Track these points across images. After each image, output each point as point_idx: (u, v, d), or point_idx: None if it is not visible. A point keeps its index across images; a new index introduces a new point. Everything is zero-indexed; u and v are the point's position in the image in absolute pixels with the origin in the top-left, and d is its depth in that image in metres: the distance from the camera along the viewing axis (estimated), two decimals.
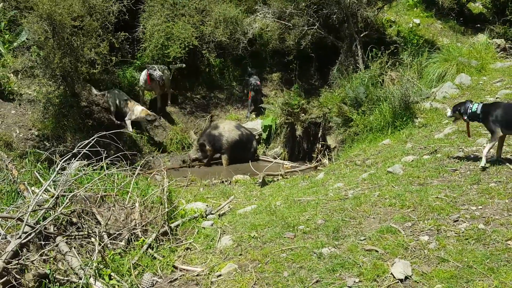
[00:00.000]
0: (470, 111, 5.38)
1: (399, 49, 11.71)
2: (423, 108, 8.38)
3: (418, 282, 3.48)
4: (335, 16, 10.78)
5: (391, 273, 3.59)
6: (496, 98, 7.86)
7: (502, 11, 15.61)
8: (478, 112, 5.30)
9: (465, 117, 5.45)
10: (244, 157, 10.27)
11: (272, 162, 10.15)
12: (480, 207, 4.45)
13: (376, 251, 3.94)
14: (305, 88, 12.33)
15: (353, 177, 6.40)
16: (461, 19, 15.35)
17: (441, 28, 14.69)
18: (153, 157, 10.70)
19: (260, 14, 11.08)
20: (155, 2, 11.45)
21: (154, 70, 10.82)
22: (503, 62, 10.55)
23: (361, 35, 11.05)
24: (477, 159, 5.55)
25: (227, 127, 10.64)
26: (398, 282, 3.50)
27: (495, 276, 3.38)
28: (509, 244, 3.75)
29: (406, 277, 3.53)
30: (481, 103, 5.47)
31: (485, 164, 5.17)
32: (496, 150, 5.45)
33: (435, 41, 13.36)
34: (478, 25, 15.15)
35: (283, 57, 12.23)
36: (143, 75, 11.16)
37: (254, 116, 11.93)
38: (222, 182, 8.41)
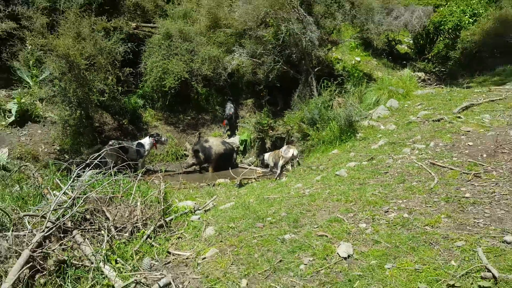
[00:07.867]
0: None
1: (345, 80, 11.90)
2: (362, 125, 8.54)
3: (357, 259, 3.55)
4: (295, 55, 10.93)
5: (337, 253, 3.65)
6: (417, 117, 8.07)
7: (422, 51, 16.22)
8: None
9: None
10: (227, 166, 10.27)
11: (247, 168, 10.17)
12: (405, 200, 4.55)
13: (326, 236, 4.00)
14: (273, 111, 12.35)
15: (309, 179, 6.46)
16: (390, 57, 15.77)
17: (376, 64, 15.02)
18: (152, 165, 10.59)
19: (237, 53, 11.14)
20: (154, 44, 11.45)
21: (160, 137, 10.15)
22: (423, 90, 10.83)
23: (315, 69, 11.21)
24: (403, 163, 5.70)
25: (215, 142, 10.60)
26: (342, 259, 3.56)
27: (416, 254, 3.47)
28: (426, 229, 3.85)
29: (348, 256, 3.60)
30: None
31: None
32: None
33: (371, 74, 13.66)
34: (404, 62, 15.59)
35: (255, 87, 12.31)
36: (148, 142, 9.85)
37: (227, 136, 11.93)
38: (208, 185, 8.37)
